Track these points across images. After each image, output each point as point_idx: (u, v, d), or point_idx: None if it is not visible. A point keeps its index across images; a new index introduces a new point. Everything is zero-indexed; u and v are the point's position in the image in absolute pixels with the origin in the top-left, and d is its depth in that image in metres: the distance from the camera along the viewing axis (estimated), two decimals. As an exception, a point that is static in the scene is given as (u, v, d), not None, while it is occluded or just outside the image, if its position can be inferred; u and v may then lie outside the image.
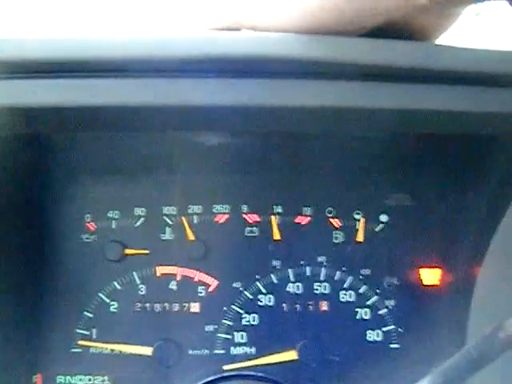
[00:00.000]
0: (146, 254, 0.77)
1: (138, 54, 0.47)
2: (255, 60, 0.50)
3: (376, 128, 0.62)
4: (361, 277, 0.79)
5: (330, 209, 0.79)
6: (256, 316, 0.78)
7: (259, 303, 0.78)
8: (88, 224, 0.79)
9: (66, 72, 0.50)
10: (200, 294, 0.78)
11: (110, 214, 0.78)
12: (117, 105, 0.49)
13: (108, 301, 0.77)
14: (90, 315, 0.77)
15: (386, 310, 0.79)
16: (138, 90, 0.49)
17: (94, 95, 0.50)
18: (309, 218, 0.79)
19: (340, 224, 0.79)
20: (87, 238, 0.78)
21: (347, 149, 0.79)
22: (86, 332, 0.77)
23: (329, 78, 0.50)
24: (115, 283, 0.78)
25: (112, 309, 0.78)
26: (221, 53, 0.50)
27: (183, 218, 0.78)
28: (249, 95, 0.49)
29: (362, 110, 0.54)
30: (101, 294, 0.78)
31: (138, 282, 0.78)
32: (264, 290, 0.78)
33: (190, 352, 0.77)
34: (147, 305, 0.78)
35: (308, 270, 0.78)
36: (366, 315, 0.79)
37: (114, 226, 0.78)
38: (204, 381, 0.75)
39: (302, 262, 0.78)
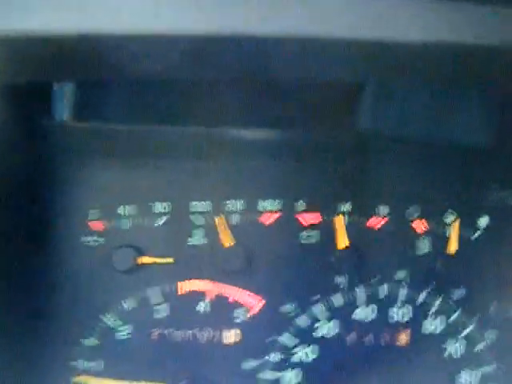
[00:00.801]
0: (168, 263, 0.65)
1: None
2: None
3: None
4: (453, 300, 0.65)
5: (413, 209, 0.66)
6: (312, 349, 0.65)
7: (317, 333, 0.65)
8: (93, 222, 0.65)
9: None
10: (238, 320, 0.65)
11: (121, 210, 0.65)
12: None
13: (117, 324, 0.65)
14: (94, 343, 0.65)
15: (485, 345, 0.65)
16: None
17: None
18: (385, 221, 0.65)
19: (426, 229, 0.65)
20: (92, 241, 0.65)
21: (435, 131, 0.65)
22: (88, 364, 0.65)
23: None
24: (126, 302, 0.65)
25: (122, 335, 0.65)
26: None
27: (218, 218, 0.65)
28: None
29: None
30: (108, 316, 0.65)
31: (156, 300, 0.65)
32: (324, 316, 0.65)
33: (224, 396, 0.65)
34: (168, 331, 0.65)
35: (383, 289, 0.65)
36: (459, 350, 0.65)
37: (126, 226, 0.65)
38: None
39: (375, 279, 0.65)
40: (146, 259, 0.64)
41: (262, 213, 0.65)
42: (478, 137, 0.66)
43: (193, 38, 0.40)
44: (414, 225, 0.66)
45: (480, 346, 0.65)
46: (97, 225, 0.66)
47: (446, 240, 0.65)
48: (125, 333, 0.65)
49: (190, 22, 0.40)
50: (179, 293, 0.65)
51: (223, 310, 0.65)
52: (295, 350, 0.65)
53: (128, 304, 0.65)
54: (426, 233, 0.65)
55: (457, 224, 0.65)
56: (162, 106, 0.65)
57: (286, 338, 0.65)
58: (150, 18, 0.40)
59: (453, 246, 0.65)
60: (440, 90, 0.64)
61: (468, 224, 0.66)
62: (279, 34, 0.41)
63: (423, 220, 0.65)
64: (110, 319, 0.65)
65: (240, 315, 0.65)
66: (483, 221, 0.66)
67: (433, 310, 0.65)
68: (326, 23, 0.41)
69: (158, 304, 0.65)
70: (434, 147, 0.65)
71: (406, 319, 0.65)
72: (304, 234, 0.65)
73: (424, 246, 0.66)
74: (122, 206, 0.65)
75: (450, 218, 0.66)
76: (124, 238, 0.65)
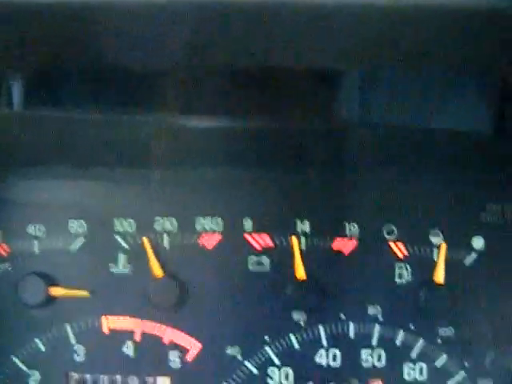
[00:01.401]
0: (87, 296, 0.58)
1: None
2: None
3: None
4: (439, 341, 0.58)
5: (390, 227, 0.58)
6: (264, 401, 0.58)
7: (269, 381, 0.58)
8: (-4, 245, 0.59)
9: None
10: (172, 364, 0.58)
11: (30, 230, 0.58)
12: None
13: (26, 369, 0.58)
14: (4, 389, 0.59)
15: (477, 397, 0.58)
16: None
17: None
18: (354, 242, 0.58)
19: (407, 252, 0.58)
20: (-6, 268, 0.59)
21: (418, 134, 0.57)
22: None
23: None
24: (37, 342, 0.58)
25: (32, 381, 0.58)
26: None
27: (146, 239, 0.57)
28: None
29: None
30: (15, 359, 0.58)
31: (72, 341, 0.58)
32: (277, 361, 0.58)
33: None
34: (87, 377, 0.58)
35: (352, 328, 0.58)
36: (446, 403, 0.58)
37: (36, 250, 0.58)
38: None
39: (341, 316, 0.58)
40: (59, 290, 0.57)
41: (200, 233, 0.58)
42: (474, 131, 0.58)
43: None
44: (391, 247, 0.58)
45: (471, 399, 0.58)
46: (1, 248, 0.58)
47: (431, 266, 0.58)
48: (34, 379, 0.58)
49: None
50: (103, 331, 0.58)
51: (155, 353, 0.58)
52: (243, 402, 0.58)
53: (41, 343, 0.58)
54: (407, 258, 0.58)
55: (444, 246, 0.58)
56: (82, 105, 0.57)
57: None
58: None
59: (439, 275, 0.57)
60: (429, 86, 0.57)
61: (459, 246, 0.58)
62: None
63: (403, 241, 0.58)
64: (17, 363, 0.58)
65: (176, 359, 0.58)
66: (477, 242, 0.59)
67: (414, 353, 0.58)
68: None
69: (77, 344, 0.58)
70: (416, 153, 0.57)
71: (379, 364, 0.58)
72: (253, 259, 0.58)
73: (404, 274, 0.58)
74: (31, 225, 0.58)
75: (436, 238, 0.58)
76: (33, 264, 0.58)
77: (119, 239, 0.57)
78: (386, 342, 0.58)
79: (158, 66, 0.46)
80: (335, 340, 0.58)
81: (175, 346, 0.58)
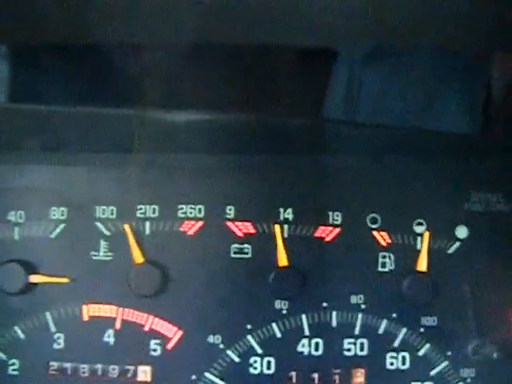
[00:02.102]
0: (67, 283, 0.57)
1: None
2: None
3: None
4: (422, 330, 0.57)
5: (373, 216, 0.57)
6: (246, 391, 0.57)
7: (251, 370, 0.57)
8: (-24, 231, 0.58)
9: None
10: (153, 353, 0.57)
11: (11, 217, 0.57)
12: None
13: (5, 358, 0.57)
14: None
15: (461, 386, 0.57)
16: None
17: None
18: (337, 231, 0.57)
19: (390, 241, 0.57)
20: (-27, 254, 0.58)
21: (402, 124, 0.57)
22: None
23: None
24: (16, 330, 0.57)
25: (11, 370, 0.57)
26: None
27: (127, 226, 0.57)
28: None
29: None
30: None
31: (52, 329, 0.57)
32: (260, 350, 0.57)
33: None
34: (67, 366, 0.57)
35: (334, 317, 0.57)
36: (428, 393, 0.57)
37: (15, 237, 0.57)
38: None
39: (324, 305, 0.57)
40: (39, 278, 0.56)
41: (182, 220, 0.57)
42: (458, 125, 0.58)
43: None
44: (374, 235, 0.57)
45: (455, 388, 0.57)
46: (-21, 234, 0.58)
47: (414, 255, 0.57)
48: (14, 368, 0.57)
49: None
50: (83, 319, 0.57)
51: (135, 341, 0.57)
52: (225, 390, 0.57)
53: (20, 331, 0.57)
54: (390, 246, 0.57)
55: (428, 235, 0.57)
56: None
57: (213, 376, 0.56)
58: None
59: (423, 264, 0.56)
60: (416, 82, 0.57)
61: (443, 235, 0.58)
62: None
63: (386, 230, 0.57)
64: (0, 349, 0.57)
65: (157, 347, 0.57)
66: (461, 231, 0.58)
67: (396, 342, 0.57)
68: None
69: (57, 332, 0.57)
70: (400, 142, 0.56)
71: (362, 354, 0.57)
72: (235, 247, 0.57)
73: (387, 263, 0.57)
74: (11, 211, 0.57)
75: (419, 227, 0.58)
76: (13, 251, 0.57)
77: (100, 226, 0.56)
78: (368, 331, 0.57)
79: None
80: (318, 329, 0.57)
81: (156, 334, 0.56)
